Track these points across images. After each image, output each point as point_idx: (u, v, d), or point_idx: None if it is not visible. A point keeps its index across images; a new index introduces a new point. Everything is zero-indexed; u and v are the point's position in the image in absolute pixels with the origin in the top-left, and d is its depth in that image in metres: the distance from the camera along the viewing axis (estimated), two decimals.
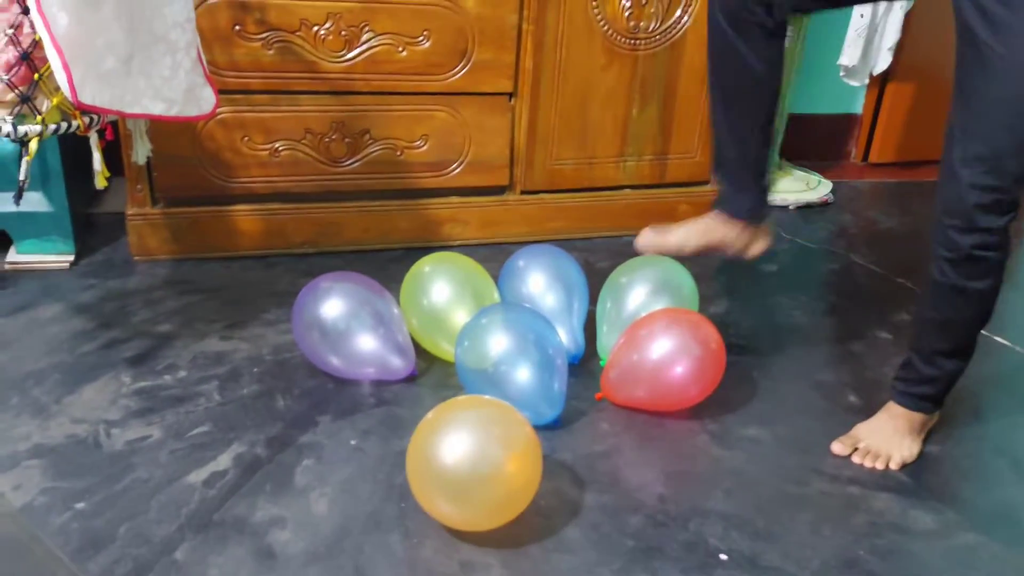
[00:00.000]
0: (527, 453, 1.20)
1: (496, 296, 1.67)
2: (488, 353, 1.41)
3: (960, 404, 1.62)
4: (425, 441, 1.19)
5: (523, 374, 1.40)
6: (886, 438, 1.43)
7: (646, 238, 1.43)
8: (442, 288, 1.61)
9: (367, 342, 1.51)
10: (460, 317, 1.57)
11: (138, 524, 1.19)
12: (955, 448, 1.49)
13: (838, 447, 1.45)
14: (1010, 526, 1.31)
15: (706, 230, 1.48)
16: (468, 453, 1.16)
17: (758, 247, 1.52)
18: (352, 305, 1.52)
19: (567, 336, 1.61)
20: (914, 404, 1.44)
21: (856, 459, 1.43)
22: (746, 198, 1.48)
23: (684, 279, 1.63)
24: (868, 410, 1.55)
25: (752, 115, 1.40)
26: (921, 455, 1.46)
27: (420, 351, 1.65)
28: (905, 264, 2.23)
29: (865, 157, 3.11)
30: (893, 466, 1.41)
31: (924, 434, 1.48)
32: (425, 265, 1.65)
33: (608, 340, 1.62)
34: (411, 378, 1.55)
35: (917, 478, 1.40)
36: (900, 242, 2.44)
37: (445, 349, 1.60)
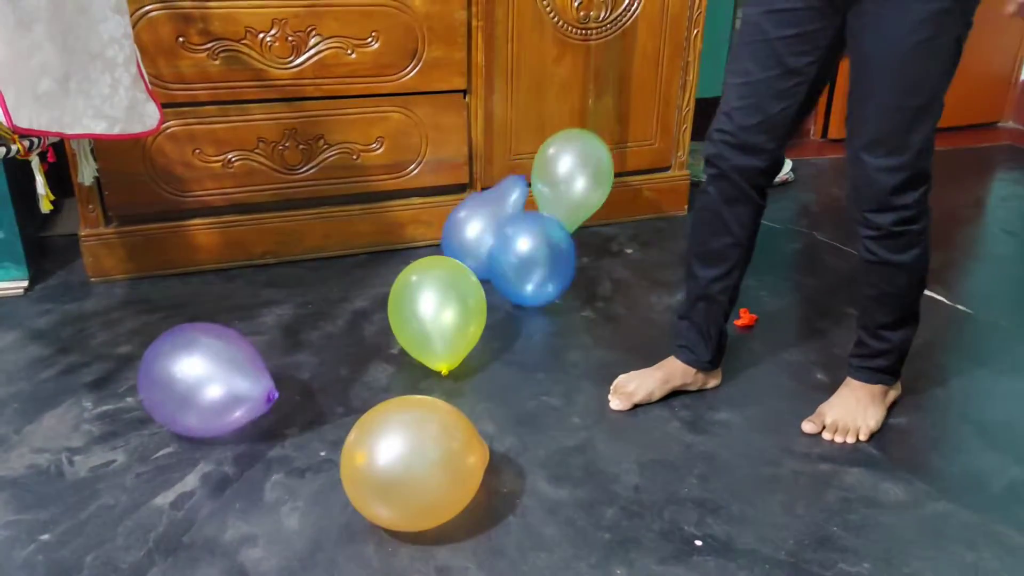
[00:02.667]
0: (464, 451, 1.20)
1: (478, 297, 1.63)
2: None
3: (925, 374, 1.63)
4: (356, 445, 1.19)
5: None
6: (850, 412, 1.46)
7: (616, 405, 1.52)
8: (429, 298, 1.55)
9: (215, 388, 1.33)
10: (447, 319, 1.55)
11: (105, 552, 1.17)
12: (922, 418, 1.51)
13: (808, 427, 1.46)
14: (978, 492, 1.32)
15: (667, 378, 1.54)
16: (401, 454, 1.15)
17: (713, 383, 1.59)
18: (192, 358, 1.34)
19: None
20: (871, 377, 1.47)
21: (826, 436, 1.45)
22: (706, 350, 1.53)
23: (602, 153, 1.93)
24: (836, 387, 1.56)
25: (725, 275, 1.48)
26: (888, 427, 1.47)
27: (391, 357, 1.63)
28: None
29: (824, 133, 3.13)
30: (862, 437, 1.44)
31: (887, 403, 1.50)
32: (412, 274, 1.58)
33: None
34: (272, 400, 1.37)
35: (886, 451, 1.41)
36: None
37: (434, 356, 1.57)
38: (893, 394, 1.52)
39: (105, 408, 1.48)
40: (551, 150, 1.98)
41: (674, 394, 1.55)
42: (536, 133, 2.14)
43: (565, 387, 1.57)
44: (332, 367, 1.62)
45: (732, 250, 1.45)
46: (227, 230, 1.96)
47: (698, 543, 1.20)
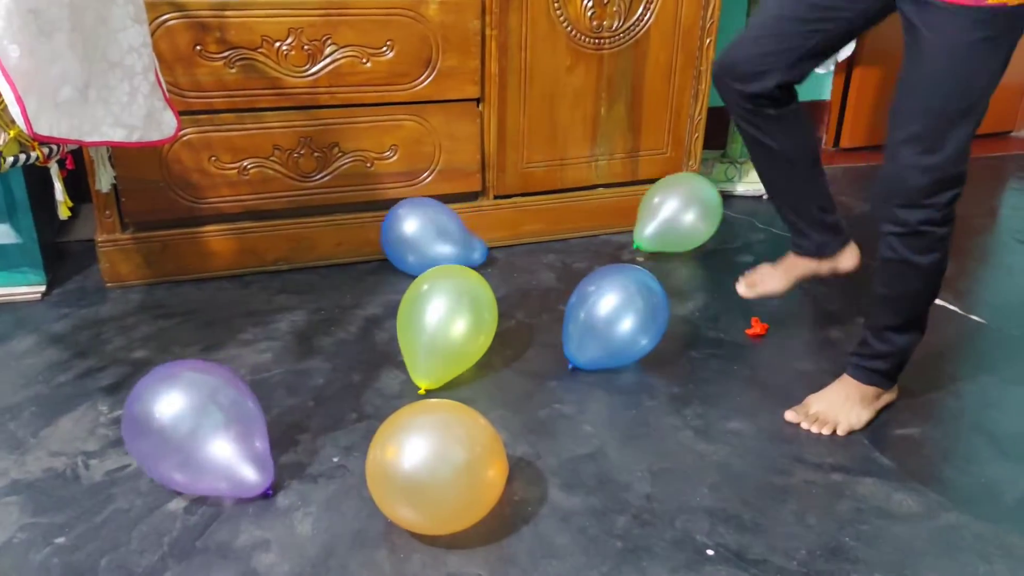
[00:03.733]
0: (488, 454, 1.20)
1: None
2: None
3: (937, 384, 1.63)
4: (384, 447, 1.19)
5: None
6: (835, 405, 1.48)
7: (741, 290, 1.68)
8: (438, 306, 1.55)
9: (218, 448, 1.23)
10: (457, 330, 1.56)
11: (120, 556, 1.18)
12: (935, 429, 1.50)
13: (791, 415, 1.50)
14: (991, 503, 1.31)
15: (787, 270, 1.66)
16: (428, 456, 1.16)
17: (846, 264, 1.65)
18: (198, 399, 1.24)
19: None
20: (866, 377, 1.49)
21: (804, 425, 1.48)
22: (810, 241, 1.62)
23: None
24: None
25: (793, 181, 1.54)
26: (901, 438, 1.47)
27: (403, 364, 1.64)
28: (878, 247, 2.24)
29: (836, 143, 3.13)
30: (840, 432, 1.46)
31: (878, 406, 1.51)
32: (423, 283, 1.59)
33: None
34: (265, 496, 1.29)
35: (899, 461, 1.41)
36: (874, 226, 2.45)
37: (418, 371, 1.57)
38: (887, 398, 1.53)
39: (121, 412, 1.49)
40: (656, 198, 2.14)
41: (686, 403, 1.55)
42: (549, 142, 2.15)
43: (577, 395, 1.57)
44: (344, 373, 1.63)
45: (785, 163, 1.51)
46: (242, 236, 1.98)
47: (710, 552, 1.20)
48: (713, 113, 2.40)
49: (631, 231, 2.32)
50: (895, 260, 1.37)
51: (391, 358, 1.68)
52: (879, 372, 1.48)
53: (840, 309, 1.92)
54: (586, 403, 1.55)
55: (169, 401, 1.23)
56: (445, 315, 1.53)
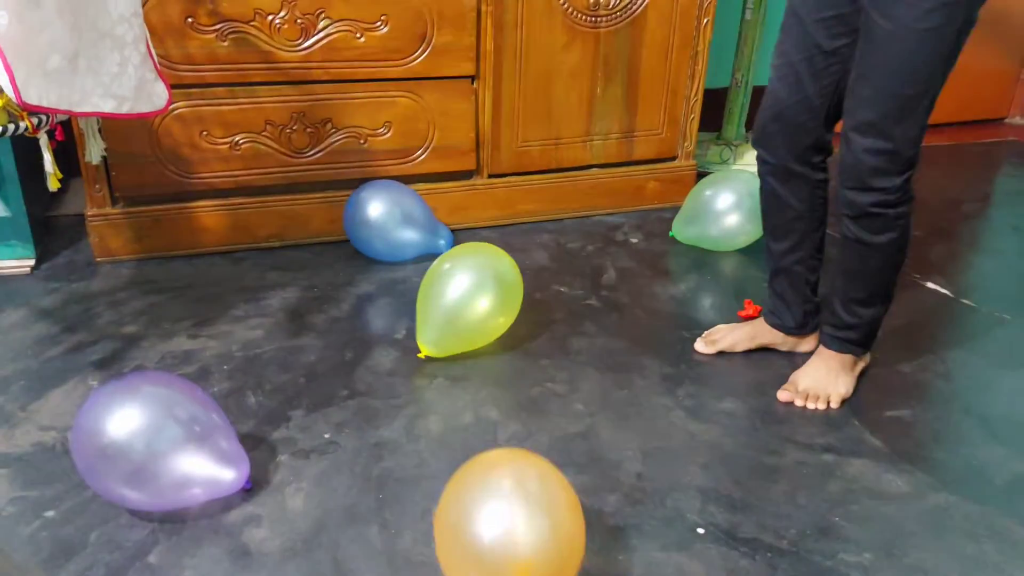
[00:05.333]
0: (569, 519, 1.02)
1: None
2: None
3: (928, 367, 1.64)
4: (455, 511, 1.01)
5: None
6: (821, 379, 1.51)
7: (700, 347, 1.66)
8: (467, 280, 1.56)
9: (185, 461, 1.16)
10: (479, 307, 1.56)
11: (110, 530, 1.17)
12: (925, 411, 1.51)
13: (783, 395, 1.51)
14: (980, 484, 1.32)
15: (753, 336, 1.66)
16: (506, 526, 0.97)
17: (805, 347, 1.66)
18: (155, 415, 1.15)
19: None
20: (840, 347, 1.52)
21: (798, 402, 1.50)
22: (790, 317, 1.62)
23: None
24: None
25: (797, 248, 1.56)
26: (891, 419, 1.47)
27: (395, 342, 1.64)
28: None
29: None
30: (834, 404, 1.49)
31: (856, 372, 1.55)
32: (460, 255, 1.60)
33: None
34: (245, 490, 1.24)
35: (890, 442, 1.41)
36: None
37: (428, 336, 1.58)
38: (862, 364, 1.57)
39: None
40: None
41: (678, 383, 1.55)
42: (544, 120, 2.14)
43: (569, 374, 1.57)
44: (337, 350, 1.62)
45: (796, 223, 1.53)
46: (233, 212, 1.96)
47: (700, 531, 1.21)
48: (709, 94, 2.39)
49: (625, 212, 2.31)
50: (851, 240, 1.41)
51: (384, 336, 1.68)
52: (851, 341, 1.51)
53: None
54: (578, 382, 1.55)
55: (123, 423, 1.13)
56: (472, 290, 1.55)
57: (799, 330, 1.63)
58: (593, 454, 1.36)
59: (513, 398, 1.50)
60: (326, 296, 1.82)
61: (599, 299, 1.86)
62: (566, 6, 2.03)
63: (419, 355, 1.58)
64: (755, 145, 1.52)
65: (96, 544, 1.15)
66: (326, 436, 1.38)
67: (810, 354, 1.60)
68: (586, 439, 1.40)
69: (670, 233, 2.15)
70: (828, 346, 1.53)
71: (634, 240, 2.17)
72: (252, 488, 1.25)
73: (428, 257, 1.96)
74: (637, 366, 1.61)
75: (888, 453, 1.39)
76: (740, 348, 1.64)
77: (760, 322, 1.66)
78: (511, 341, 1.67)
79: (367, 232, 1.92)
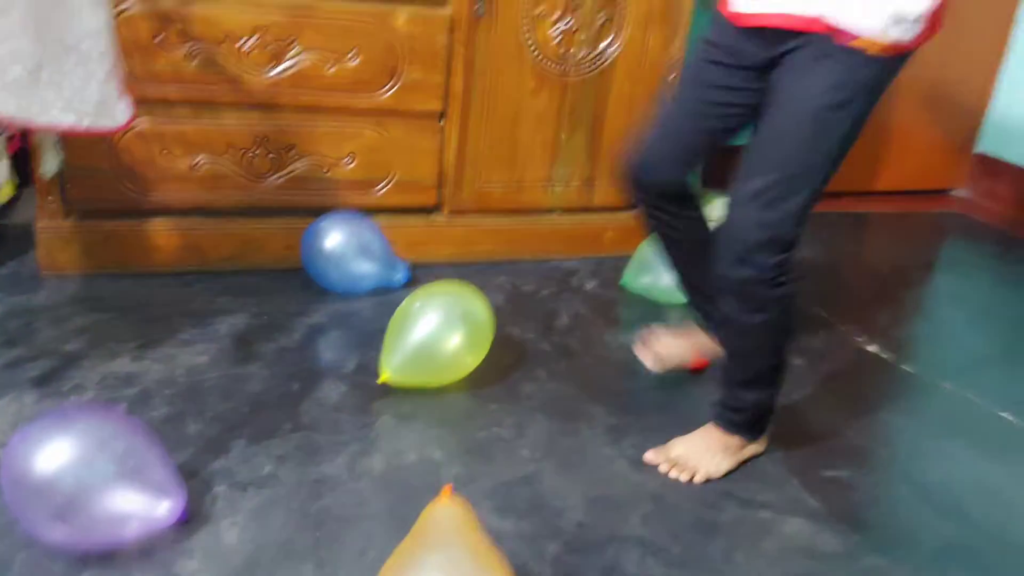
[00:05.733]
0: None
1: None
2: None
3: (867, 431, 1.67)
4: None
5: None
6: (696, 452, 1.47)
7: (650, 364, 1.71)
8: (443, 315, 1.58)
9: (117, 497, 1.13)
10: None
11: (36, 554, 1.13)
12: (864, 474, 1.54)
13: (651, 455, 1.49)
14: (913, 549, 1.35)
15: (699, 347, 1.69)
16: None
17: None
18: (85, 451, 1.12)
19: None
20: (727, 427, 1.48)
21: (663, 468, 1.46)
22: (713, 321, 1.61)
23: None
24: (782, 432, 1.59)
25: (693, 266, 1.57)
26: (830, 480, 1.50)
27: (344, 375, 1.62)
28: (820, 295, 2.30)
29: None
30: (698, 479, 1.45)
31: (741, 457, 1.50)
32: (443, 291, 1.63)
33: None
34: (182, 522, 1.20)
35: (827, 503, 1.43)
36: (816, 273, 2.51)
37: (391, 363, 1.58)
38: (752, 449, 1.51)
39: (46, 405, 1.45)
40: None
41: (624, 433, 1.56)
42: (508, 162, 2.16)
43: (517, 419, 1.57)
44: (283, 381, 1.60)
45: (684, 249, 1.57)
46: (188, 233, 1.94)
47: None
48: None
49: (582, 258, 2.33)
50: (726, 316, 1.39)
51: (333, 369, 1.66)
52: (736, 424, 1.47)
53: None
54: (525, 427, 1.55)
55: (53, 458, 1.09)
56: (445, 326, 1.56)
57: None
58: (536, 501, 1.36)
59: (459, 440, 1.49)
60: (276, 324, 1.80)
61: (551, 344, 1.87)
62: (537, 53, 2.06)
63: (378, 380, 1.56)
64: (636, 198, 1.55)
65: (22, 567, 1.12)
66: (266, 469, 1.36)
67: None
68: (530, 485, 1.40)
69: (621, 282, 2.18)
70: (716, 424, 1.49)
71: (589, 286, 2.19)
72: (187, 519, 1.22)
73: (383, 291, 1.95)
74: (585, 414, 1.61)
75: (825, 514, 1.41)
76: (686, 360, 1.68)
77: (706, 336, 1.67)
78: (462, 382, 1.66)
79: (323, 262, 1.91)
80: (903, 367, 1.95)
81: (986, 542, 1.39)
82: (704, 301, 1.60)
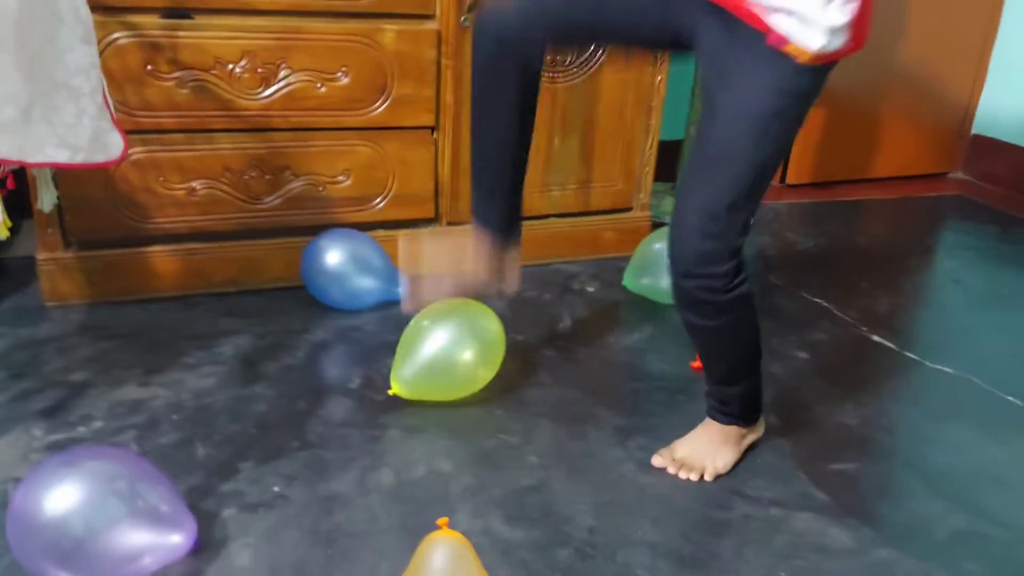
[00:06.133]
0: None
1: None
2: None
3: (872, 420, 1.67)
4: None
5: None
6: (700, 450, 1.48)
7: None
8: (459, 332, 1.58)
9: (127, 537, 1.13)
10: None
11: None
12: (870, 465, 1.54)
13: (657, 460, 1.49)
14: (922, 540, 1.35)
15: (456, 247, 1.56)
16: None
17: (511, 278, 1.60)
18: (92, 495, 1.11)
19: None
20: (723, 419, 1.49)
21: (671, 470, 1.47)
22: (495, 211, 1.54)
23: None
24: (788, 430, 1.60)
25: (506, 139, 1.48)
26: (836, 473, 1.50)
27: (349, 392, 1.63)
28: (821, 284, 2.30)
29: (782, 179, 3.21)
30: (707, 477, 1.46)
31: (743, 445, 1.51)
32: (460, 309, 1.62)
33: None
34: (196, 550, 1.21)
35: (835, 496, 1.44)
36: (816, 262, 2.52)
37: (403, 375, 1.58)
38: (752, 436, 1.53)
39: (56, 437, 1.46)
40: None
41: (630, 435, 1.57)
42: None
43: (524, 425, 1.58)
44: (289, 400, 1.61)
45: (508, 109, 1.45)
46: (188, 258, 1.95)
47: None
48: (664, 146, 2.45)
49: (582, 260, 2.34)
50: (688, 324, 1.38)
51: (338, 386, 1.67)
52: (730, 415, 1.48)
53: (780, 344, 1.96)
54: (532, 433, 1.56)
55: (60, 504, 1.09)
56: (459, 342, 1.57)
57: (502, 228, 1.55)
58: (546, 508, 1.37)
59: (467, 450, 1.50)
60: (280, 344, 1.81)
61: (554, 348, 1.87)
62: None
63: (388, 391, 1.58)
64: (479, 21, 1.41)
65: None
66: (275, 489, 1.37)
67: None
68: (539, 492, 1.40)
69: (623, 283, 2.18)
70: (712, 417, 1.50)
71: (590, 289, 2.20)
72: (198, 547, 1.23)
73: (385, 305, 1.96)
74: (591, 417, 1.62)
75: (833, 507, 1.41)
76: (443, 267, 1.57)
77: (465, 229, 1.56)
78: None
79: (324, 280, 1.92)
80: (907, 354, 1.95)
81: (997, 529, 1.39)
82: (493, 181, 1.51)
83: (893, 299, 2.27)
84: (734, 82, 1.24)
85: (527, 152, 1.52)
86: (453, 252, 1.57)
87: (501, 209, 1.55)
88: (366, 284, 1.94)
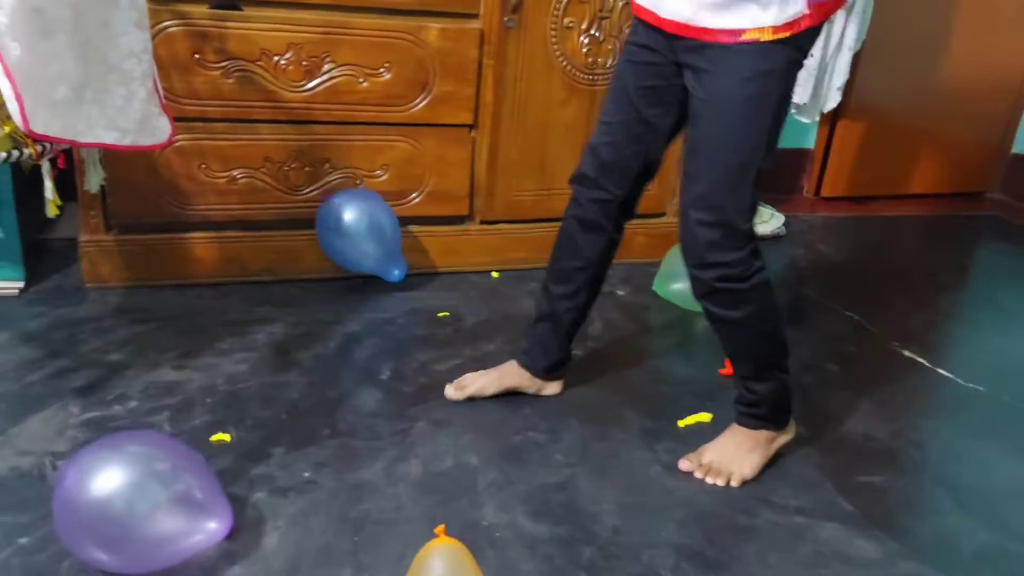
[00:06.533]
0: None
1: None
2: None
3: (902, 434, 1.66)
4: None
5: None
6: (726, 454, 1.48)
7: (449, 393, 1.64)
8: None
9: (166, 521, 1.15)
10: None
11: (77, 564, 1.16)
12: (898, 478, 1.53)
13: (684, 464, 1.49)
14: (948, 554, 1.34)
15: (501, 378, 1.65)
16: None
17: (549, 390, 1.68)
18: (135, 478, 1.13)
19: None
20: (751, 423, 1.49)
21: (698, 475, 1.47)
22: (541, 360, 1.64)
23: None
24: (817, 441, 1.59)
25: (571, 294, 1.59)
26: (864, 485, 1.49)
27: (380, 383, 1.65)
28: (853, 298, 2.29)
29: (817, 191, 3.19)
30: (734, 483, 1.46)
31: (772, 449, 1.51)
32: None
33: None
34: (235, 534, 1.24)
35: (862, 508, 1.43)
36: (849, 275, 2.50)
37: None
38: (783, 439, 1.53)
39: (91, 415, 1.49)
40: None
41: (657, 438, 1.57)
42: (538, 172, 2.18)
43: (551, 423, 1.59)
44: (320, 388, 1.63)
45: (579, 273, 1.57)
46: (226, 245, 1.98)
47: None
48: None
49: (613, 264, 2.33)
50: (710, 316, 1.41)
51: (369, 376, 1.69)
52: (760, 417, 1.48)
53: (811, 355, 1.95)
54: (559, 432, 1.57)
55: (104, 487, 1.11)
56: None
57: (547, 373, 1.65)
58: (571, 506, 1.37)
59: (494, 445, 1.51)
60: (313, 333, 1.83)
61: (583, 350, 1.88)
62: (565, 64, 2.08)
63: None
64: (572, 184, 1.53)
65: (67, 574, 1.14)
66: (305, 475, 1.39)
67: (553, 398, 1.66)
68: (565, 490, 1.41)
69: (652, 288, 2.18)
70: (739, 422, 1.50)
71: (620, 292, 2.20)
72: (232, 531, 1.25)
73: (409, 297, 1.98)
74: (618, 419, 1.63)
75: (860, 518, 1.40)
76: (489, 392, 1.63)
77: (508, 365, 1.66)
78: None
79: (336, 227, 1.93)
80: (939, 371, 1.94)
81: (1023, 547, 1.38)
82: (551, 331, 1.62)
83: (926, 316, 2.25)
84: (710, 85, 1.28)
85: (584, 317, 1.64)
86: (498, 381, 1.66)
87: (550, 358, 1.64)
88: (370, 249, 1.95)
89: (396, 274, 2.02)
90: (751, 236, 1.33)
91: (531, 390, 1.66)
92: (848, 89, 2.76)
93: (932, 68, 3.04)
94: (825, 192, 3.17)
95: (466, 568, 1.07)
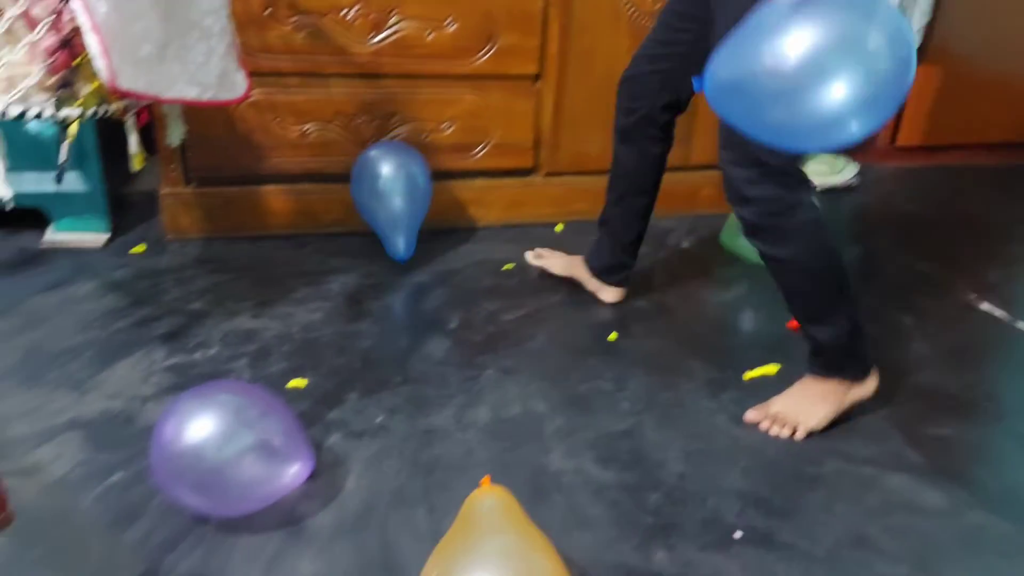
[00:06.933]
0: None
1: None
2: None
3: (974, 386, 1.63)
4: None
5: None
6: (795, 406, 1.46)
7: (529, 256, 1.95)
8: None
9: (253, 466, 1.19)
10: None
11: (166, 501, 1.22)
12: (968, 430, 1.51)
13: (751, 414, 1.49)
14: (1018, 506, 1.32)
15: (569, 265, 1.88)
16: None
17: (607, 295, 1.84)
18: (226, 424, 1.18)
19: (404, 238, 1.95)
20: (817, 372, 1.47)
21: (764, 425, 1.47)
22: (599, 259, 1.81)
23: None
24: (887, 392, 1.57)
25: (618, 203, 1.75)
26: (933, 436, 1.47)
27: (449, 332, 1.68)
28: (927, 249, 2.23)
29: (893, 140, 3.09)
30: (800, 434, 1.44)
31: (846, 402, 1.48)
32: None
33: None
34: (313, 476, 1.28)
35: (931, 459, 1.42)
36: (923, 227, 2.44)
37: None
38: (858, 392, 1.48)
39: (175, 361, 1.56)
40: None
41: (723, 388, 1.58)
42: (604, 122, 2.15)
43: (616, 372, 1.61)
44: (391, 337, 1.68)
45: (620, 181, 1.72)
46: (300, 197, 2.03)
47: (738, 534, 1.23)
48: None
49: (678, 216, 2.33)
50: (762, 256, 1.42)
51: (437, 326, 1.73)
52: (826, 365, 1.45)
53: (879, 306, 1.92)
54: (625, 381, 1.58)
55: (198, 432, 1.16)
56: None
57: (602, 275, 1.80)
58: (637, 453, 1.40)
59: (561, 393, 1.54)
60: (384, 283, 1.88)
61: (648, 301, 1.89)
62: (632, 11, 2.05)
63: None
64: (620, 88, 1.66)
65: (157, 510, 1.21)
66: (378, 420, 1.44)
67: (609, 306, 1.81)
68: (631, 437, 1.43)
69: (719, 240, 2.17)
70: (809, 371, 1.48)
71: (685, 245, 2.19)
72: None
73: (446, 235, 1.99)
74: (683, 369, 1.64)
75: (928, 469, 1.40)
76: (555, 271, 1.86)
77: (578, 257, 1.85)
78: (561, 338, 1.71)
79: (369, 179, 1.90)
80: (1018, 324, 1.89)
81: None
82: (612, 236, 1.77)
83: (1004, 268, 2.19)
84: (722, 13, 1.28)
85: (637, 227, 1.78)
86: (566, 267, 1.89)
87: (607, 259, 1.80)
88: (398, 204, 1.90)
89: (400, 253, 1.93)
90: (788, 172, 1.32)
91: (589, 287, 1.82)
92: (929, 32, 2.65)
93: (1010, 13, 2.90)
94: (900, 141, 3.07)
95: (515, 512, 1.07)
